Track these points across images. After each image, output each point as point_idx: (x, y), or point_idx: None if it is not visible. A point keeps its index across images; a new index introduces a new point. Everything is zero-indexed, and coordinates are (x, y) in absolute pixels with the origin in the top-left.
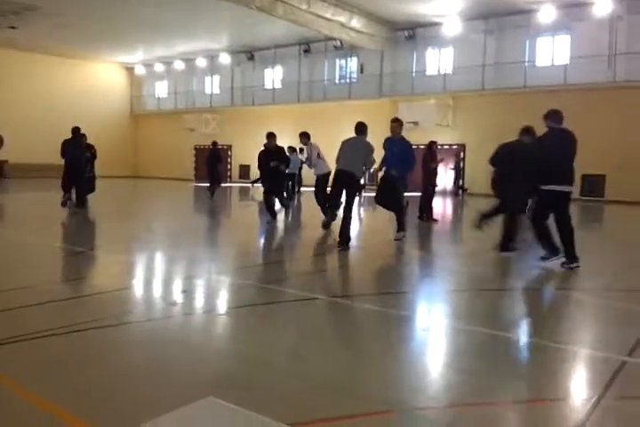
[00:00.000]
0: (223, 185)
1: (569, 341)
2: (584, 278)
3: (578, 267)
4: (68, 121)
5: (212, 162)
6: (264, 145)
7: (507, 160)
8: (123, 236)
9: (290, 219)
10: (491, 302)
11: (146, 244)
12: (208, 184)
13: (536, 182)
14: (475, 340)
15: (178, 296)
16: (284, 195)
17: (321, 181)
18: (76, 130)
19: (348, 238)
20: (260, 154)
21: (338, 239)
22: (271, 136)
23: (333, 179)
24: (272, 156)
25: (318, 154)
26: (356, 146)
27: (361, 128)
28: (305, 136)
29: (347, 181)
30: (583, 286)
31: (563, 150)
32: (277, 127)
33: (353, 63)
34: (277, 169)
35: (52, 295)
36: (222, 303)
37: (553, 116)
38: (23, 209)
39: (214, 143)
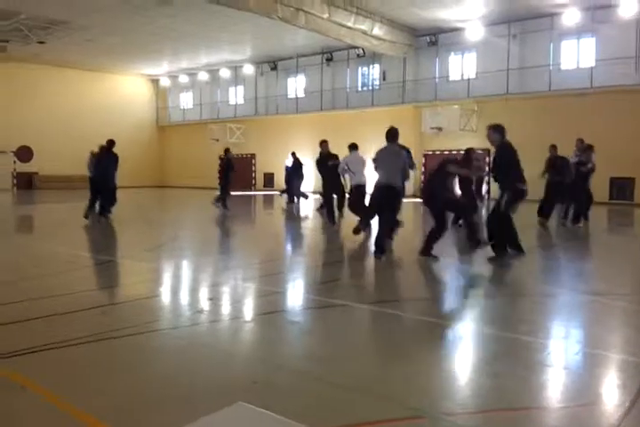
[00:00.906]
0: (244, 193)
1: (599, 345)
2: (612, 283)
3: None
4: (95, 133)
5: (226, 171)
6: (320, 153)
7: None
8: (149, 244)
9: (324, 225)
10: (520, 308)
11: (172, 252)
12: (220, 194)
13: (512, 182)
14: (504, 345)
15: (205, 304)
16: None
17: (353, 192)
18: (111, 143)
19: (383, 249)
20: (316, 161)
21: (374, 248)
22: (324, 143)
23: (373, 192)
24: (328, 159)
25: (347, 166)
26: (391, 155)
27: (393, 134)
28: (350, 147)
29: (386, 194)
30: (611, 290)
31: (517, 158)
32: (301, 136)
33: (375, 71)
34: (336, 169)
35: (81, 304)
36: (249, 310)
37: (501, 130)
38: (52, 219)
39: (227, 151)
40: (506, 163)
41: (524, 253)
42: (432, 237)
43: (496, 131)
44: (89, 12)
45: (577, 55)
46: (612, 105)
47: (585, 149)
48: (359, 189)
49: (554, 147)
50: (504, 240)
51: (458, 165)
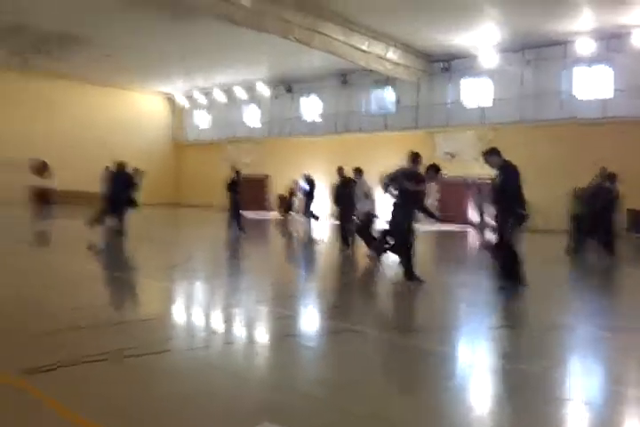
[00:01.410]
0: (257, 216)
1: (620, 382)
2: (625, 317)
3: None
4: (111, 150)
5: (232, 193)
6: (340, 179)
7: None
8: (164, 263)
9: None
10: (536, 341)
11: (186, 272)
12: (234, 218)
13: (517, 207)
14: (521, 379)
15: (219, 325)
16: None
17: (366, 218)
18: (120, 166)
19: (412, 275)
20: (337, 188)
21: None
22: (341, 170)
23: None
24: (349, 186)
25: (365, 193)
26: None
27: (415, 159)
28: (358, 171)
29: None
30: (630, 325)
31: (520, 181)
32: (314, 158)
33: (389, 95)
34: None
35: (96, 321)
36: (262, 333)
37: (495, 152)
38: (68, 235)
39: (235, 171)
40: (511, 185)
41: (527, 286)
42: (407, 260)
43: (492, 154)
44: (107, 27)
45: (592, 84)
46: (628, 135)
47: (609, 176)
48: (371, 216)
49: (609, 174)
50: (514, 267)
51: (413, 181)
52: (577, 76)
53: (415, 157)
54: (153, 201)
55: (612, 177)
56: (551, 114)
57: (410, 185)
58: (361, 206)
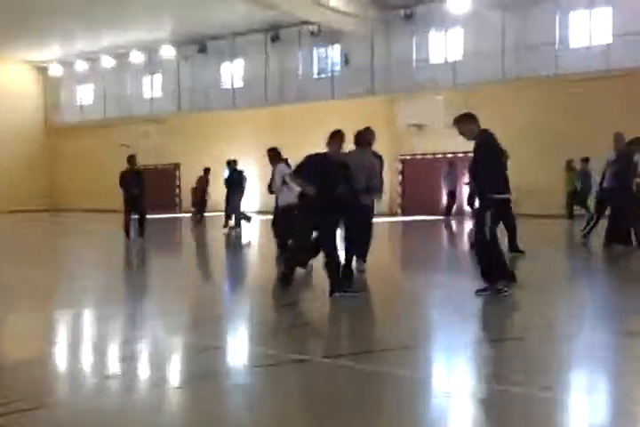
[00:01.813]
0: (164, 216)
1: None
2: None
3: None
4: None
5: (133, 187)
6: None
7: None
8: (41, 287)
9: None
10: (527, 355)
11: (70, 297)
12: (132, 218)
13: (483, 191)
14: (508, 405)
15: (116, 366)
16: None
17: (283, 213)
18: None
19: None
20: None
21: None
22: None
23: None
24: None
25: (284, 180)
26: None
27: (362, 138)
28: (279, 155)
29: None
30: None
31: (500, 153)
32: (240, 138)
33: (335, 53)
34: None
35: None
36: (175, 373)
37: (470, 119)
38: None
39: (130, 160)
40: (489, 161)
41: (515, 282)
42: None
43: (466, 122)
44: None
45: (589, 30)
46: (632, 90)
47: (632, 142)
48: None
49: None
50: (494, 267)
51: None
52: (572, 22)
53: (332, 137)
54: (19, 206)
55: (636, 143)
56: (540, 69)
57: (309, 189)
58: (281, 199)
